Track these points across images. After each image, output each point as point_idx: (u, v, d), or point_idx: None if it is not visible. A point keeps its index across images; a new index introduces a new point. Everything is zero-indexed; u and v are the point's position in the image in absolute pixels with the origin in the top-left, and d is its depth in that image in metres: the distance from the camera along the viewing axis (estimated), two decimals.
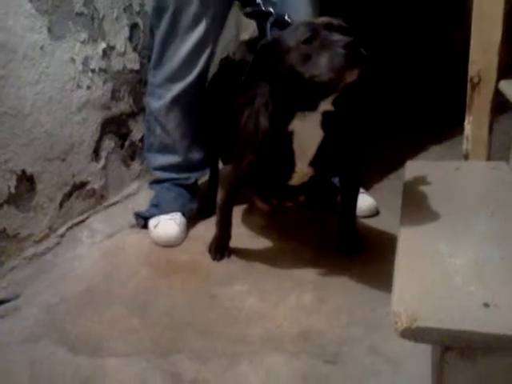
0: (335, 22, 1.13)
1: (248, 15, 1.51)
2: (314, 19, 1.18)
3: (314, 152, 1.27)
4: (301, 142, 1.25)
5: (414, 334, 0.75)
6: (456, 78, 1.74)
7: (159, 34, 1.57)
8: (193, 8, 1.50)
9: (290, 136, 1.24)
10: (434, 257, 0.97)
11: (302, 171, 1.31)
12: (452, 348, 0.75)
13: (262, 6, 1.40)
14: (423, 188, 1.31)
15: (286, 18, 1.36)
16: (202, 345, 1.14)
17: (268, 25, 1.36)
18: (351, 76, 1.07)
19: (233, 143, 1.39)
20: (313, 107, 1.19)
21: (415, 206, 1.21)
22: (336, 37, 1.06)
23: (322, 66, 1.06)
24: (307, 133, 1.24)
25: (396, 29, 2.64)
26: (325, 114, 1.21)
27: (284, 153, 1.26)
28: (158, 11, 1.55)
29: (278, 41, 1.17)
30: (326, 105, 1.19)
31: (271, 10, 1.38)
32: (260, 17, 1.45)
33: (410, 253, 1.01)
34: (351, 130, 1.34)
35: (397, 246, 1.04)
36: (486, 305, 0.80)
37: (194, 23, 1.53)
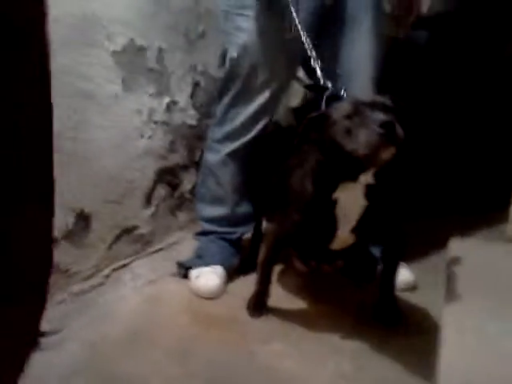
0: (379, 99, 1.19)
1: (307, 88, 1.60)
2: (360, 97, 1.25)
3: (357, 220, 1.31)
4: (344, 210, 1.29)
5: None
6: (503, 161, 1.77)
7: (227, 98, 1.66)
8: (262, 77, 1.59)
9: (333, 203, 1.28)
10: (483, 337, 0.97)
11: (343, 237, 1.35)
12: None
13: (321, 80, 1.48)
14: (467, 267, 1.32)
15: (342, 92, 1.43)
16: None
17: (324, 98, 1.44)
18: (386, 154, 1.13)
19: (280, 203, 1.45)
20: (353, 179, 1.24)
21: (459, 284, 1.22)
22: (375, 115, 1.12)
23: (359, 141, 1.12)
24: (350, 202, 1.28)
25: (455, 111, 2.70)
26: (369, 185, 1.26)
27: (327, 218, 1.30)
28: (230, 77, 1.64)
29: (325, 114, 1.25)
30: (366, 177, 1.24)
31: (329, 85, 1.45)
32: (318, 90, 1.53)
33: (456, 331, 1.01)
34: (394, 202, 1.38)
35: (442, 323, 1.05)
36: None
37: (261, 90, 1.62)
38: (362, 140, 1.12)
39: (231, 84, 1.65)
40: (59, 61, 1.33)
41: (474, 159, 2.66)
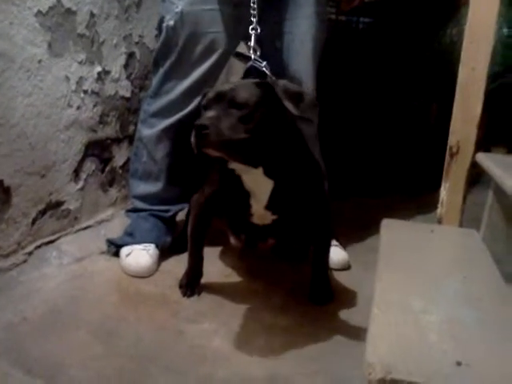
0: (226, 91, 1.18)
1: (235, 55, 1.57)
2: (222, 85, 1.25)
3: (267, 198, 1.31)
4: (250, 187, 1.30)
5: None
6: (432, 145, 1.83)
7: (164, 67, 1.59)
8: (200, 47, 1.53)
9: (239, 178, 1.28)
10: (408, 312, 0.99)
11: (260, 212, 1.35)
12: None
13: (249, 51, 1.44)
14: (399, 246, 1.34)
15: (263, 65, 1.40)
16: (166, 381, 1.11)
17: (244, 69, 1.42)
18: (208, 153, 1.14)
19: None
20: (224, 164, 1.25)
21: (391, 262, 1.24)
22: (206, 113, 1.16)
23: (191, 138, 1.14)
24: (252, 179, 1.28)
25: (380, 96, 2.78)
26: (263, 166, 1.25)
27: (239, 191, 1.31)
28: (166, 46, 1.57)
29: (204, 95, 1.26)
30: (235, 165, 1.24)
31: (252, 55, 1.42)
32: (244, 59, 1.50)
33: (384, 307, 1.03)
34: (307, 181, 1.36)
35: (373, 300, 1.06)
36: (459, 363, 0.82)
37: (200, 61, 1.55)
38: (191, 137, 1.14)
39: (167, 54, 1.58)
40: None
41: (410, 142, 2.75)
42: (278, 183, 1.28)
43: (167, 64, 1.59)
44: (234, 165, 1.24)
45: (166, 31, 1.55)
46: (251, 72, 1.38)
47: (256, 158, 1.22)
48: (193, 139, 1.12)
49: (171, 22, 1.53)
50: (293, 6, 1.58)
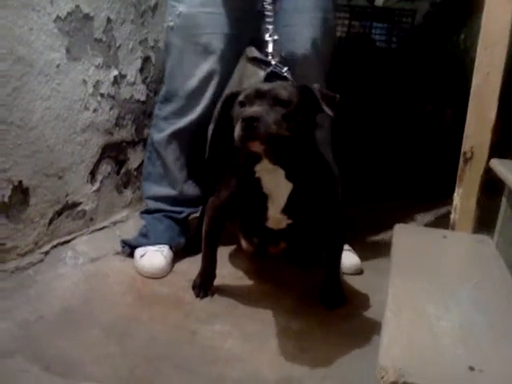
0: (268, 88, 1.19)
1: (250, 60, 1.57)
2: (260, 84, 1.27)
3: (285, 201, 1.32)
4: (269, 189, 1.31)
5: None
6: (446, 151, 1.83)
7: (167, 70, 1.62)
8: (198, 48, 1.54)
9: (258, 181, 1.29)
10: (421, 317, 0.99)
11: (275, 216, 1.36)
12: None
13: (269, 55, 1.45)
14: (411, 251, 1.34)
15: (284, 71, 1.41)
16: (178, 380, 1.12)
17: (263, 73, 1.43)
18: (253, 146, 1.15)
19: (224, 177, 1.45)
20: (252, 165, 1.27)
21: (403, 267, 1.24)
22: (250, 108, 1.15)
23: (235, 132, 1.14)
24: (272, 182, 1.30)
25: (394, 101, 2.78)
26: (287, 168, 1.27)
27: (257, 195, 1.32)
28: (168, 48, 1.60)
29: (235, 94, 1.25)
30: (263, 165, 1.25)
31: (272, 61, 1.43)
32: (261, 65, 1.50)
33: (397, 311, 1.03)
34: (323, 186, 1.38)
35: (385, 304, 1.07)
36: (472, 368, 0.82)
37: (198, 63, 1.56)
38: (235, 131, 1.14)
39: (169, 56, 1.60)
40: None
41: (423, 148, 2.75)
42: (296, 186, 1.30)
43: (170, 66, 1.61)
44: (261, 165, 1.26)
45: (167, 33, 1.59)
46: (270, 78, 1.39)
47: (286, 157, 1.24)
48: (239, 131, 1.12)
49: (171, 24, 1.56)
50: (289, 16, 1.57)
